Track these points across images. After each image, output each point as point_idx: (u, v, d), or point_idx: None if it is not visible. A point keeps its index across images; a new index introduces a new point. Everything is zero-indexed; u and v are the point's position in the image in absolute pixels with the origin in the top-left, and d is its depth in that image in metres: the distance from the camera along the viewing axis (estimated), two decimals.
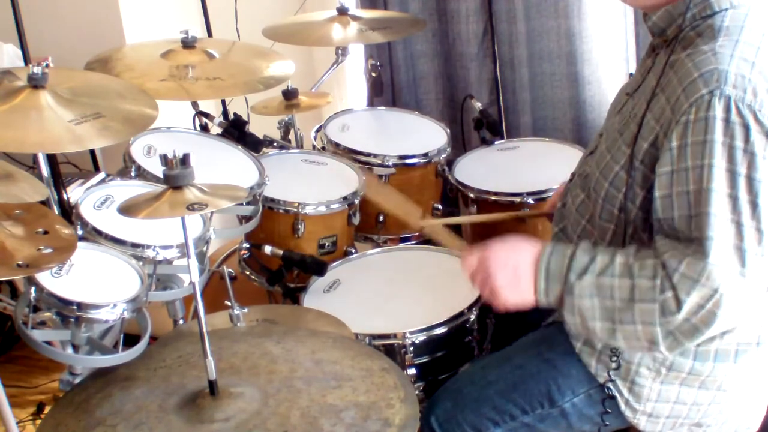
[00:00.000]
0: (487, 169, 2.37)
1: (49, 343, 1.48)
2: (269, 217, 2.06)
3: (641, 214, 1.40)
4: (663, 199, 1.32)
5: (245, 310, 1.65)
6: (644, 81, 1.47)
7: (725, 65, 1.27)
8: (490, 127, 2.50)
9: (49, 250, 1.41)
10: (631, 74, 2.65)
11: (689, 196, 1.29)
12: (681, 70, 1.32)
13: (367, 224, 2.30)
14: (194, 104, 2.30)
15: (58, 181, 2.13)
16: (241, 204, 1.93)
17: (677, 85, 1.31)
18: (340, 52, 2.59)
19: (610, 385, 1.48)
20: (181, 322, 1.79)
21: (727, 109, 1.25)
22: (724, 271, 1.25)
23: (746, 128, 1.24)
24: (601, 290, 1.34)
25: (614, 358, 1.46)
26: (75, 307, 1.45)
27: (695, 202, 1.28)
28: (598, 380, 1.49)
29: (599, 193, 1.47)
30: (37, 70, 1.60)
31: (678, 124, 1.29)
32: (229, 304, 1.64)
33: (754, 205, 1.25)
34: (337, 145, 2.33)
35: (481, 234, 2.33)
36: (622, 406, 1.48)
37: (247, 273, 2.19)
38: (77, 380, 1.49)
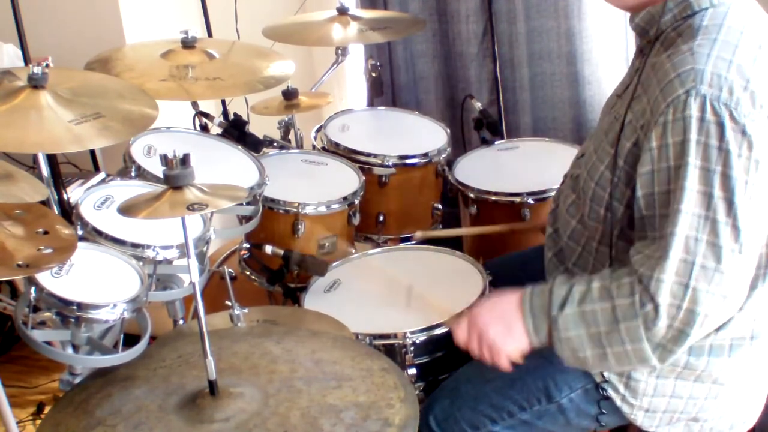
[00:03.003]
0: (487, 169, 2.37)
1: (49, 343, 1.48)
2: (269, 217, 2.06)
3: (628, 212, 1.41)
4: (645, 197, 1.34)
5: (245, 311, 1.65)
6: (631, 82, 1.47)
7: (702, 65, 1.27)
8: (490, 127, 2.50)
9: (49, 250, 1.41)
10: None
11: (669, 196, 1.30)
12: (660, 71, 1.33)
13: (367, 224, 2.30)
14: (194, 104, 2.30)
15: (58, 181, 2.13)
16: (241, 204, 1.93)
17: (656, 85, 1.32)
18: (340, 52, 2.58)
19: (605, 385, 1.48)
20: (181, 322, 1.79)
21: (702, 108, 1.25)
22: (695, 268, 1.26)
23: (721, 126, 1.25)
24: (584, 318, 1.36)
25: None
26: (75, 307, 1.45)
27: (672, 201, 1.29)
28: (594, 379, 1.50)
29: (587, 194, 1.48)
30: (37, 70, 1.60)
31: (657, 125, 1.29)
32: (230, 304, 1.64)
33: (729, 202, 1.26)
34: (337, 145, 2.33)
35: (481, 243, 2.33)
36: (619, 402, 1.48)
37: (247, 273, 2.20)
38: (77, 380, 1.49)
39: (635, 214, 1.37)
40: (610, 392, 1.48)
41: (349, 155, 2.30)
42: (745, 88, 1.26)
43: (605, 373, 1.47)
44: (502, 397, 1.54)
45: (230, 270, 1.91)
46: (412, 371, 1.75)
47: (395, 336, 1.75)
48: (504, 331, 1.44)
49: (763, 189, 1.27)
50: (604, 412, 1.50)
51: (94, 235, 1.63)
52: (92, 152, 2.73)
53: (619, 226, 1.43)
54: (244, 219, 2.00)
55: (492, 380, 1.57)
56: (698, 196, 1.26)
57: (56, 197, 2.12)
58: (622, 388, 1.48)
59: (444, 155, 2.36)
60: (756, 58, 1.30)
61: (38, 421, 2.41)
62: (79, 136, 1.55)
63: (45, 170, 2.01)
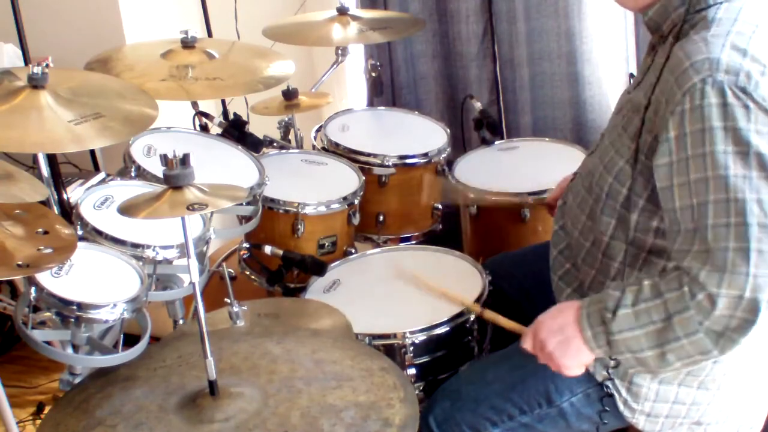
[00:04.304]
0: (487, 169, 2.37)
1: (49, 343, 1.48)
2: (269, 217, 2.06)
3: (649, 206, 1.40)
4: (663, 191, 1.32)
5: (245, 308, 1.66)
6: (644, 78, 1.47)
7: (716, 53, 1.27)
8: (490, 127, 2.50)
9: (49, 250, 1.41)
10: (631, 74, 2.66)
11: (690, 186, 1.27)
12: (673, 60, 1.32)
13: (367, 224, 2.30)
14: (194, 104, 2.30)
15: (58, 181, 2.13)
16: (241, 204, 1.93)
17: (669, 75, 1.32)
18: (340, 52, 2.58)
19: (608, 383, 1.48)
20: (181, 322, 1.79)
21: (722, 95, 1.24)
22: (751, 255, 1.22)
23: (746, 108, 1.23)
24: (638, 318, 1.31)
25: (613, 358, 1.46)
26: (75, 307, 1.45)
27: (700, 191, 1.26)
28: (597, 379, 1.49)
29: (603, 188, 1.47)
30: (37, 70, 1.59)
31: (673, 115, 1.28)
32: (229, 301, 1.65)
33: None
34: (337, 145, 2.33)
35: (481, 243, 2.33)
36: (621, 406, 1.48)
37: (247, 273, 2.20)
38: (77, 380, 1.49)
39: (660, 206, 1.34)
40: (613, 391, 1.48)
41: (349, 155, 2.30)
42: (763, 74, 1.25)
43: (610, 371, 1.47)
44: (502, 399, 1.54)
45: (230, 270, 1.92)
46: (412, 371, 1.76)
47: (395, 336, 1.75)
48: (562, 343, 1.39)
49: None
50: (607, 409, 1.49)
51: (94, 235, 1.63)
52: (92, 152, 2.73)
53: (636, 219, 1.42)
54: (244, 219, 2.00)
55: (493, 383, 1.57)
56: (737, 181, 1.23)
57: (56, 197, 2.12)
58: (624, 392, 1.47)
59: (444, 155, 2.36)
60: None
61: (38, 421, 2.41)
62: (79, 136, 1.55)
63: (45, 170, 2.01)
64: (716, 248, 1.24)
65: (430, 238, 2.38)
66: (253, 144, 2.19)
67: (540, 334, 1.42)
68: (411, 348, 1.75)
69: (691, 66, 1.27)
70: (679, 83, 1.28)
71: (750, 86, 1.24)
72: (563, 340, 1.39)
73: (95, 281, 1.54)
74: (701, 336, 1.26)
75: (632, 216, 1.43)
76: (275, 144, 2.42)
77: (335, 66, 2.61)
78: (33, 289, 1.46)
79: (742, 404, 1.49)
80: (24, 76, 1.62)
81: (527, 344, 1.46)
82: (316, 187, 2.17)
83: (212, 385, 1.27)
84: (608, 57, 2.69)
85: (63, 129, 1.55)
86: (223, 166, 2.06)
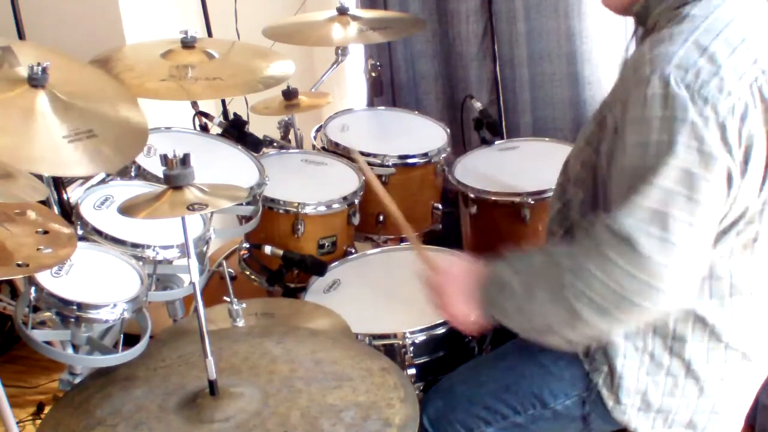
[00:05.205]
0: (487, 169, 2.37)
1: (49, 343, 1.48)
2: (269, 217, 2.06)
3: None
4: (608, 176, 1.35)
5: (244, 305, 1.66)
6: None
7: (675, 47, 1.27)
8: (490, 127, 2.50)
9: (49, 250, 1.41)
10: None
11: (624, 173, 1.29)
12: (638, 53, 1.34)
13: (367, 224, 2.30)
14: (194, 104, 2.30)
15: (58, 181, 2.13)
16: (241, 204, 1.93)
17: (632, 66, 1.33)
18: (340, 52, 2.58)
19: (594, 375, 1.48)
20: None
21: (666, 86, 1.24)
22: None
23: (684, 102, 1.23)
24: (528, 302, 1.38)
25: (603, 365, 1.47)
26: (75, 307, 1.45)
27: (632, 178, 1.27)
28: (591, 379, 1.49)
29: (571, 175, 1.53)
30: (37, 69, 1.59)
31: (621, 103, 1.30)
32: (228, 300, 1.65)
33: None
34: (337, 145, 2.33)
35: (481, 243, 2.33)
36: (610, 404, 1.47)
37: (247, 273, 2.20)
38: (77, 380, 1.49)
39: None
40: (600, 388, 1.47)
41: (349, 155, 2.30)
42: (715, 74, 1.25)
43: (595, 372, 1.47)
44: (496, 400, 1.54)
45: (230, 270, 1.92)
46: (412, 371, 1.76)
47: (395, 336, 1.75)
48: (466, 304, 1.47)
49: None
50: (590, 396, 1.49)
51: (94, 235, 1.63)
52: None
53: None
54: (244, 219, 2.00)
55: (487, 383, 1.57)
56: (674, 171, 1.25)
57: (56, 197, 2.12)
58: (609, 390, 1.46)
59: (444, 155, 2.36)
60: (735, 50, 1.29)
61: (38, 421, 2.41)
62: (67, 162, 1.55)
63: None
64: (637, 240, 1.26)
65: (430, 238, 2.39)
66: (253, 144, 2.19)
67: (448, 288, 1.48)
68: (411, 348, 1.75)
69: (650, 60, 1.28)
70: (635, 73, 1.29)
71: (696, 85, 1.24)
72: (466, 299, 1.46)
73: (95, 281, 1.54)
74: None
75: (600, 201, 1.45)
76: (275, 144, 2.42)
77: (335, 66, 2.61)
78: (33, 289, 1.46)
79: (734, 407, 1.49)
80: (25, 64, 1.61)
81: (430, 287, 1.53)
82: (316, 187, 2.17)
83: (212, 385, 1.27)
84: (608, 57, 2.69)
85: (55, 147, 1.54)
86: (223, 166, 2.06)
